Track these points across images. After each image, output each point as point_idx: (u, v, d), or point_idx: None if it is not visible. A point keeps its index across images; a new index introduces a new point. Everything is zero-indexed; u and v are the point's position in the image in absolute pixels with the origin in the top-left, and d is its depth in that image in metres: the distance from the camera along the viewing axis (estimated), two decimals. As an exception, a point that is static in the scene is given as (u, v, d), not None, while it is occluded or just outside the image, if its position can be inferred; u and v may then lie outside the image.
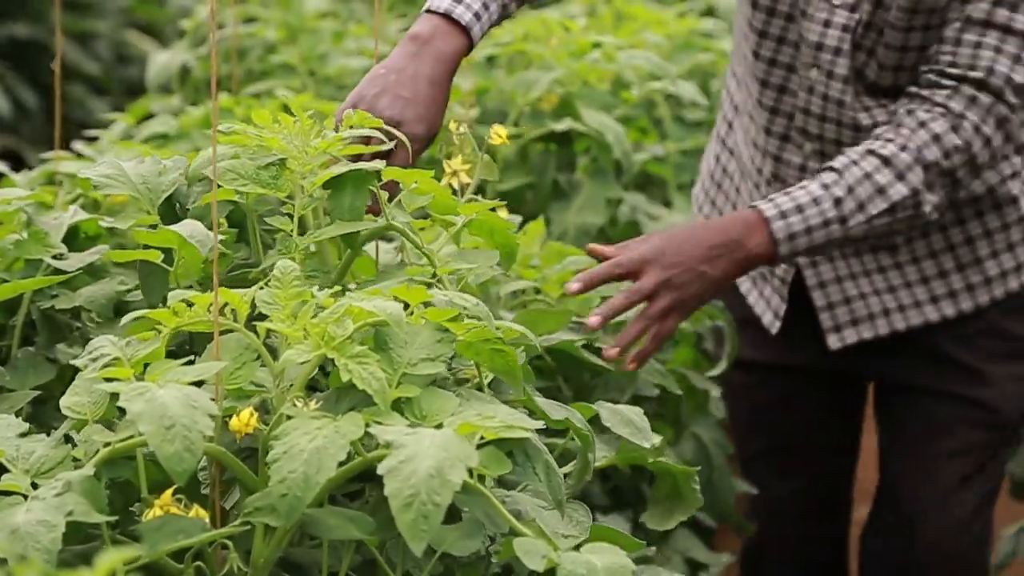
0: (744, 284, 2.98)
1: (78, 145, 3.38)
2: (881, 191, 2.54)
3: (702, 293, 2.49)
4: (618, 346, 2.43)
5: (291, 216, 2.10)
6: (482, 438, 1.80)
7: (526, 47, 3.57)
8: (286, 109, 3.57)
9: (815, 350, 2.90)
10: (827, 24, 2.65)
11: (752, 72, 2.77)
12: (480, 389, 2.00)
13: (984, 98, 2.55)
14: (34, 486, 1.80)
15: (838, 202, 2.53)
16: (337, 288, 1.98)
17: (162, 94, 4.16)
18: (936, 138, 2.55)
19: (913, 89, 2.59)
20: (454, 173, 2.31)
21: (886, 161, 2.54)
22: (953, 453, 2.88)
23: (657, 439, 2.16)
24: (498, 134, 2.33)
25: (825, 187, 2.54)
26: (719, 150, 2.98)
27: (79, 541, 1.83)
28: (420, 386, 1.86)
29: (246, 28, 4.17)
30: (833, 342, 2.86)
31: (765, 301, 2.93)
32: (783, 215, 2.53)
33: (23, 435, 1.88)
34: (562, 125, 3.31)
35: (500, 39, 3.65)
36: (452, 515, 1.85)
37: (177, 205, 2.16)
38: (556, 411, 2.02)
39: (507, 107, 3.43)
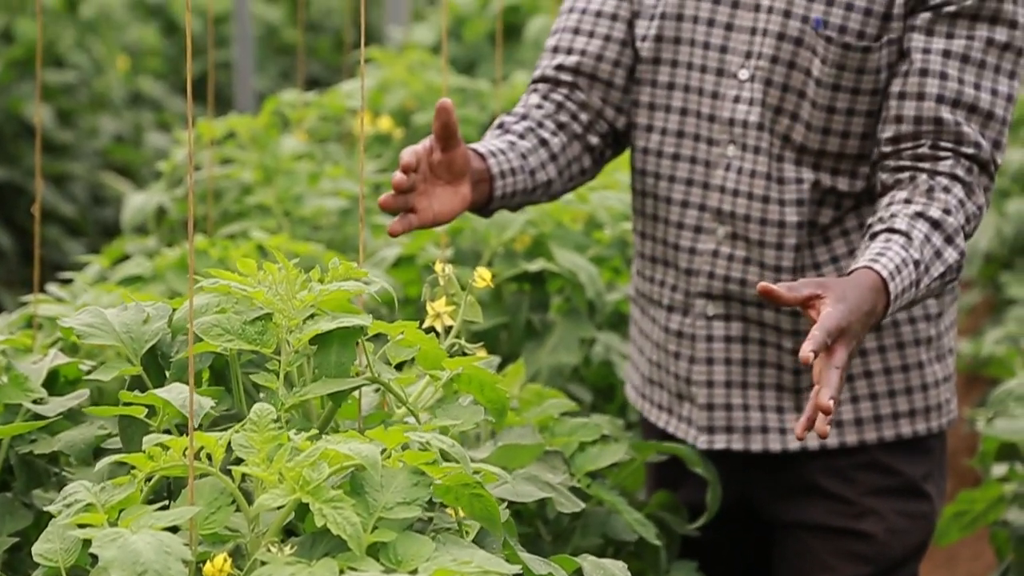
0: (662, 417, 2.90)
1: (52, 287, 3.39)
2: (938, 254, 2.53)
3: None
4: (817, 427, 2.30)
5: (277, 374, 2.08)
6: (458, 583, 1.78)
7: (500, 188, 3.59)
8: (262, 250, 3.60)
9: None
10: (737, 100, 2.70)
11: (657, 173, 2.78)
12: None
13: (977, 169, 2.59)
14: (5, 634, 1.78)
15: (917, 264, 2.49)
16: (314, 431, 1.97)
17: (138, 235, 4.18)
18: (961, 203, 2.57)
19: (907, 163, 2.60)
20: (437, 315, 2.31)
21: (935, 224, 2.53)
22: None
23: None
24: (482, 277, 2.33)
25: (904, 248, 2.49)
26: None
27: None
28: (396, 530, 1.84)
29: (222, 170, 4.20)
30: (702, 443, 2.81)
31: (686, 422, 2.87)
32: (893, 275, 2.45)
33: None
34: (535, 265, 3.33)
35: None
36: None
37: (160, 354, 2.14)
38: (539, 566, 1.99)
39: (481, 247, 3.45)
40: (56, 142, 7.16)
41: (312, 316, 2.09)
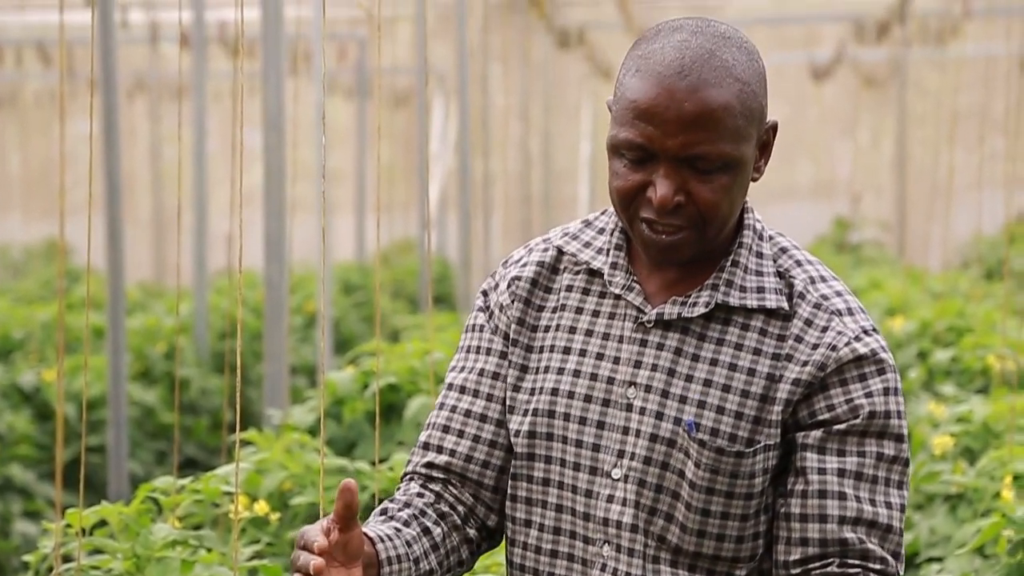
0: None
1: None
2: None
3: None
4: None
5: None
6: None
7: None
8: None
9: None
10: (611, 499, 2.66)
11: (536, 569, 2.71)
12: None
13: None
14: None
15: None
16: None
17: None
18: None
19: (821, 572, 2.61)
20: None
21: None
22: None
23: None
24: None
25: None
26: None
27: None
28: None
29: (92, 559, 4.08)
30: None
31: None
32: None
33: None
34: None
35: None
36: None
37: None
38: None
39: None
40: (-79, 533, 6.97)
41: None
